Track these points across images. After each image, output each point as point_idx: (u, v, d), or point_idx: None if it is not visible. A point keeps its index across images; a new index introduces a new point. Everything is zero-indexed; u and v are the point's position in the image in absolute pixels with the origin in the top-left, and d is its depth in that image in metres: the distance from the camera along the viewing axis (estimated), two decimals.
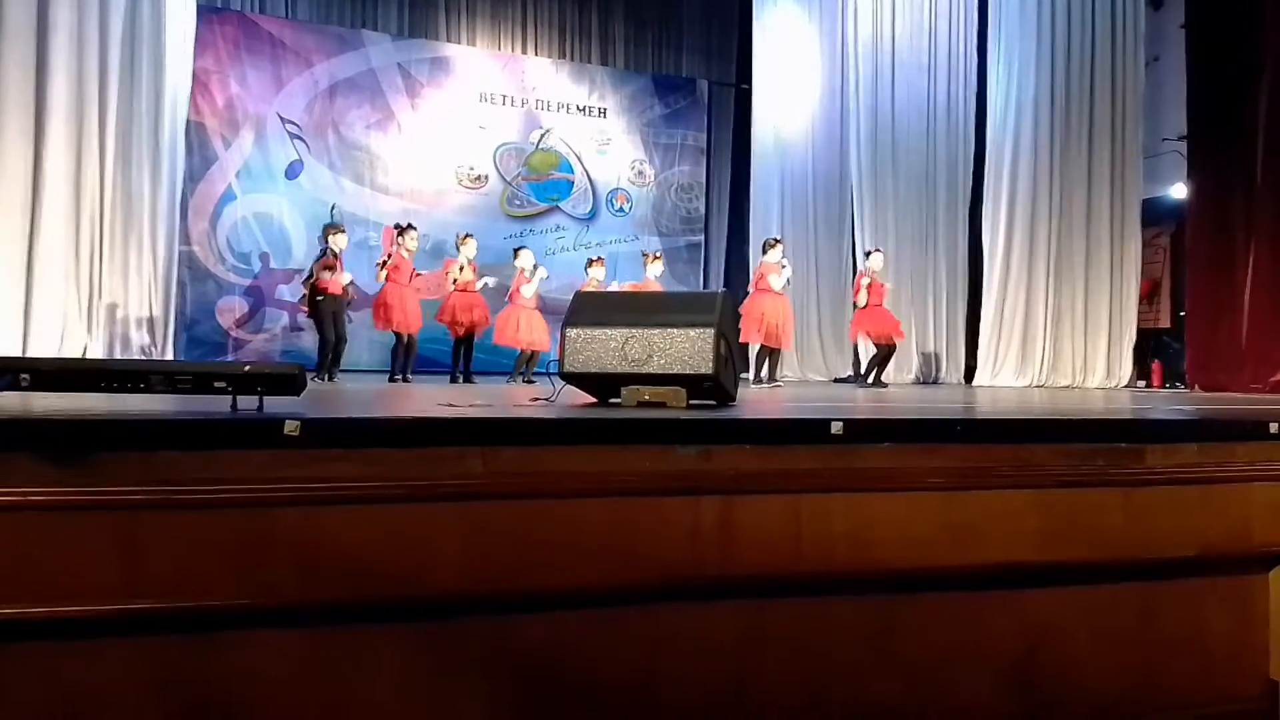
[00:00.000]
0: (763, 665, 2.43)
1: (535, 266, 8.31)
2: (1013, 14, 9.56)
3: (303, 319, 10.33)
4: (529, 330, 8.09)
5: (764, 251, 8.51)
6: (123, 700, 1.96)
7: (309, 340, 10.23)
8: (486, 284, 8.12)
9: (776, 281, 8.27)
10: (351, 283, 7.83)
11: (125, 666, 1.96)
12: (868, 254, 9.21)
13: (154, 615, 1.96)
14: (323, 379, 7.02)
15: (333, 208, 10.30)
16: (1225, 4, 8.42)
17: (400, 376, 7.58)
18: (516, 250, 8.58)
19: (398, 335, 7.71)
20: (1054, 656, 2.68)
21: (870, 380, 8.74)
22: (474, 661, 2.22)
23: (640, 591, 2.32)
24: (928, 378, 10.22)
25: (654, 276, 8.70)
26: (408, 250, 7.75)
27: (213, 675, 2.02)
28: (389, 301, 7.63)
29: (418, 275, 7.91)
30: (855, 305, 9.05)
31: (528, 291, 8.16)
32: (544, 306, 8.42)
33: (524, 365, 8.18)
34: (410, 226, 7.94)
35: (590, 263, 8.71)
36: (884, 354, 8.87)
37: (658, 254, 9.30)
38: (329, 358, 7.41)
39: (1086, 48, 9.44)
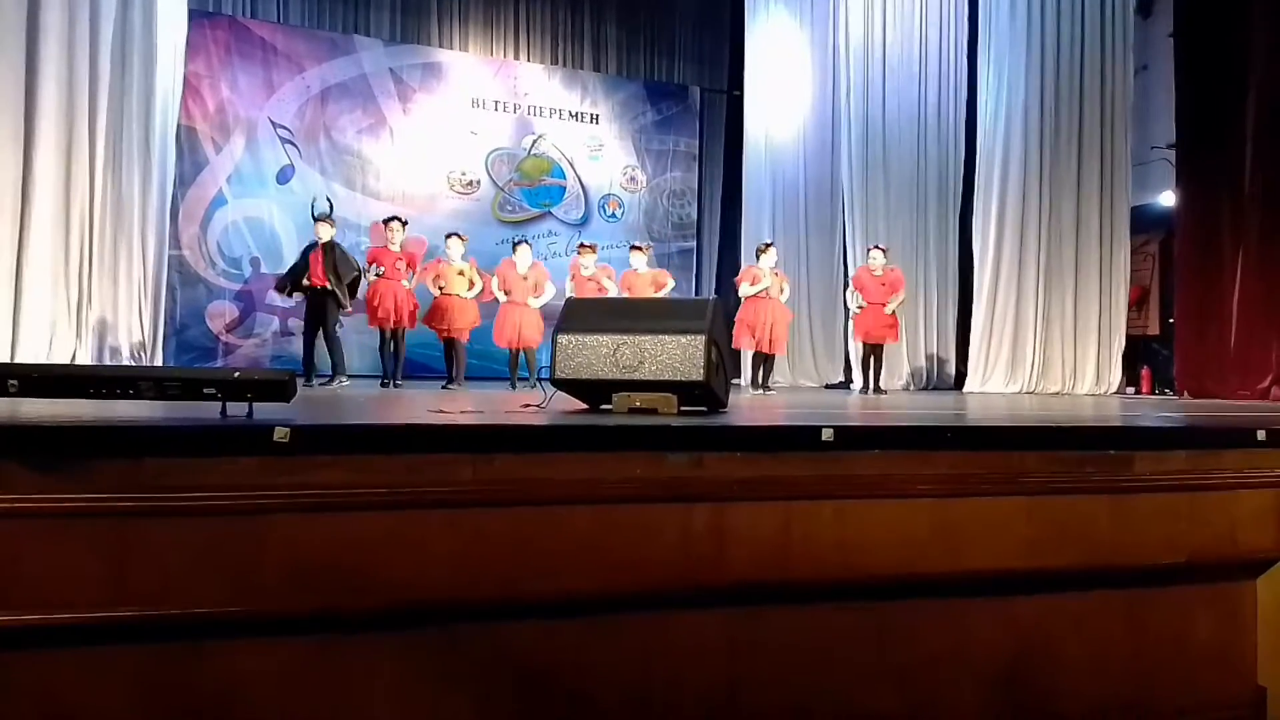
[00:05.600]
0: (754, 672, 2.43)
1: (531, 265, 8.20)
2: (1003, 22, 9.62)
3: (294, 324, 10.31)
4: (515, 328, 7.96)
5: (756, 256, 8.49)
6: (111, 709, 1.95)
7: (300, 345, 10.21)
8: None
9: (746, 290, 8.22)
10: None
11: (114, 674, 1.95)
12: (868, 251, 9.08)
13: (143, 623, 1.95)
14: (310, 384, 6.91)
15: (314, 201, 10.24)
16: (1213, 13, 8.49)
17: (388, 380, 7.49)
18: (515, 245, 8.45)
19: (381, 332, 7.64)
20: (1043, 663, 2.69)
21: (872, 387, 8.68)
22: (467, 668, 2.21)
23: (632, 598, 2.32)
24: (918, 384, 10.24)
25: (640, 267, 8.54)
26: (390, 244, 7.63)
27: (202, 683, 2.01)
28: (371, 296, 7.54)
29: (409, 269, 7.69)
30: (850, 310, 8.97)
31: (518, 288, 8.03)
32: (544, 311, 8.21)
33: (515, 367, 8.09)
34: (394, 218, 7.79)
35: (581, 249, 8.62)
36: (868, 355, 8.79)
37: (648, 245, 9.23)
38: (310, 360, 7.29)
39: (1076, 56, 9.50)
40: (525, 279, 8.08)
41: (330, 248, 7.25)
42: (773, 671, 2.44)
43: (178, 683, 1.99)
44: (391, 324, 7.53)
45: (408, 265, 7.63)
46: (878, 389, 8.51)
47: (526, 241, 8.61)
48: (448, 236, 8.22)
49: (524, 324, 7.99)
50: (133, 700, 1.96)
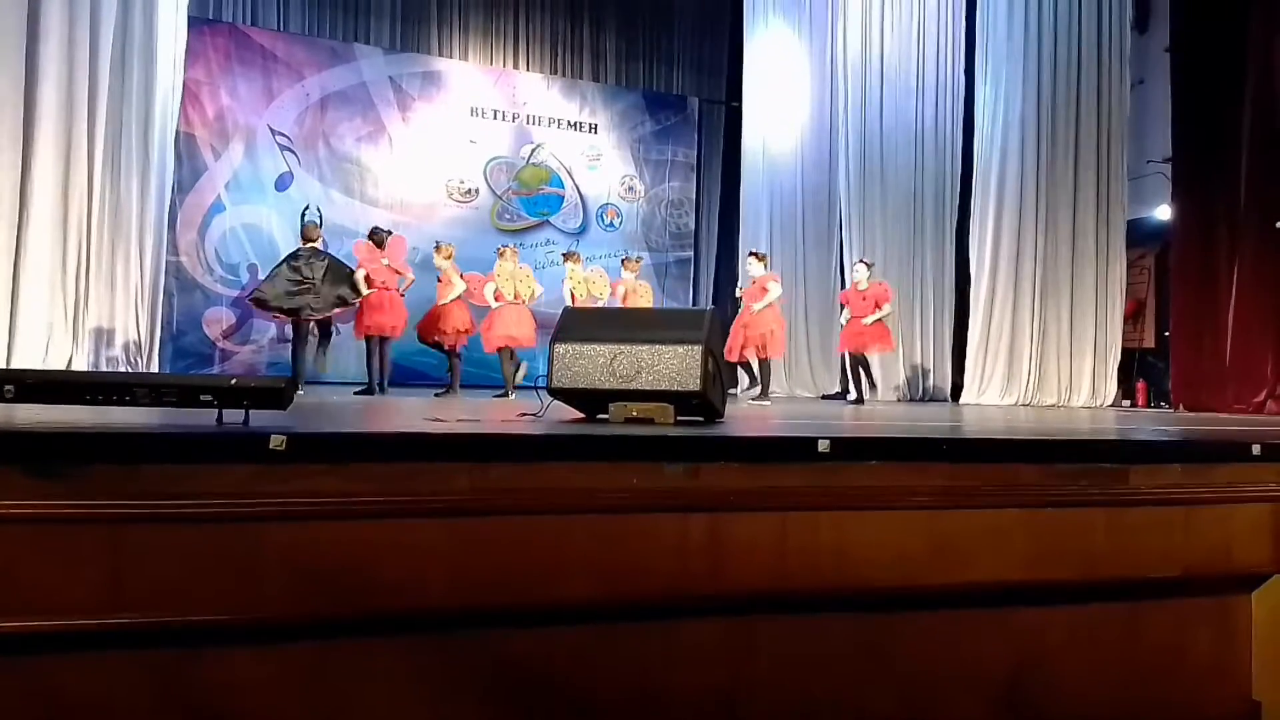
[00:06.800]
0: (751, 681, 2.43)
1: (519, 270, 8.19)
2: (1000, 35, 9.66)
3: (291, 330, 10.28)
4: (498, 327, 7.86)
5: None
6: (109, 715, 1.95)
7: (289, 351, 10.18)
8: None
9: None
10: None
11: (111, 681, 1.95)
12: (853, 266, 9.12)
13: (139, 629, 1.94)
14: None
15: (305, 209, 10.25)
16: (1209, 28, 8.54)
17: (365, 387, 7.45)
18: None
19: (367, 341, 7.65)
20: (1040, 675, 2.69)
21: (855, 394, 8.69)
22: (463, 676, 2.21)
23: (628, 608, 2.32)
24: (914, 395, 10.25)
25: (626, 279, 8.69)
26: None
27: (200, 690, 2.01)
28: (361, 306, 7.54)
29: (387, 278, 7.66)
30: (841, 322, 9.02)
31: (488, 292, 7.96)
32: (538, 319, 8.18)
33: (508, 369, 8.03)
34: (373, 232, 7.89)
35: (566, 257, 8.64)
36: (855, 365, 8.80)
37: (638, 259, 9.39)
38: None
39: (1073, 70, 9.54)
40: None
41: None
42: (770, 681, 2.44)
43: (175, 689, 1.99)
44: (369, 334, 7.62)
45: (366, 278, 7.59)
46: (859, 399, 8.53)
47: (504, 247, 8.48)
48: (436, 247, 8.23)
49: (493, 324, 7.86)
50: (130, 706, 1.96)
